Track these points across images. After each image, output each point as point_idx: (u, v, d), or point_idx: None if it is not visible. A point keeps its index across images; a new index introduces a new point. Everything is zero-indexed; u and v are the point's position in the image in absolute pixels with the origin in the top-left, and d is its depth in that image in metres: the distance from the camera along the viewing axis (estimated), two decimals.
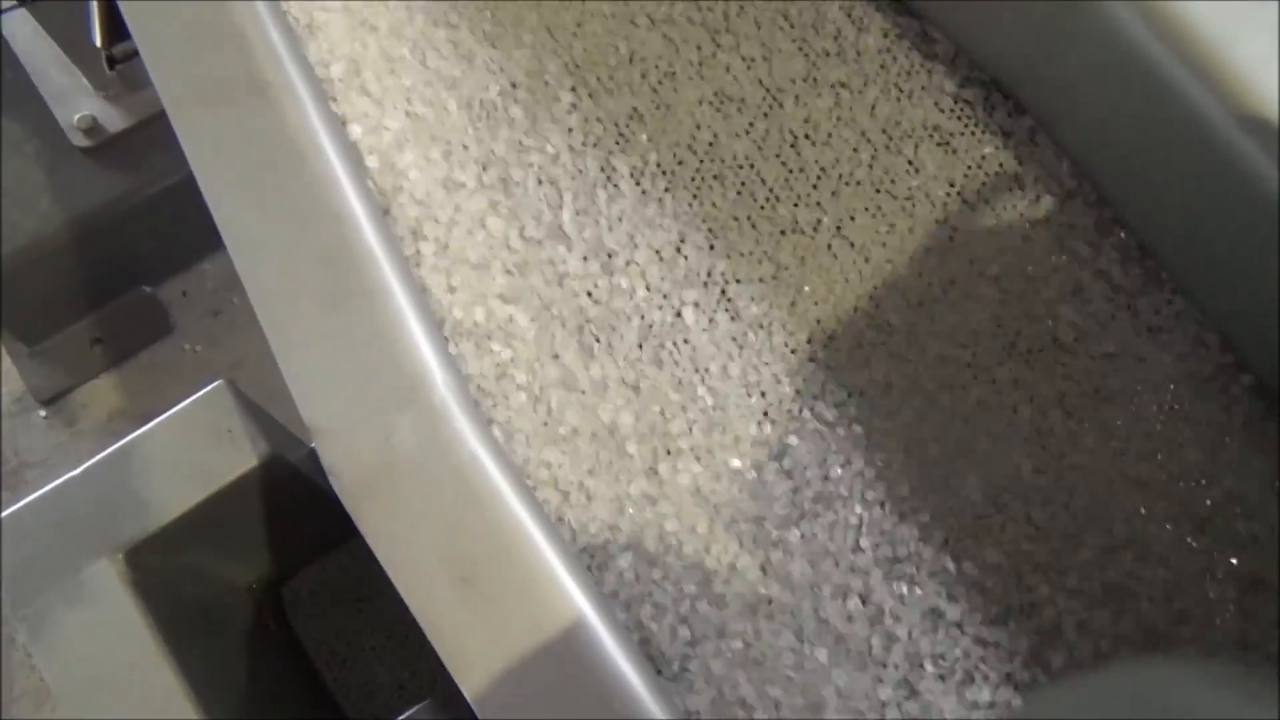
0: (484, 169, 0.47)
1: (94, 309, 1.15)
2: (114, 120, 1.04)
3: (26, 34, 1.05)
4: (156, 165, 1.06)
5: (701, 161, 0.51)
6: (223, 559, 0.53)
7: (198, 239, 1.19)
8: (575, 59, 0.52)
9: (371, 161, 0.48)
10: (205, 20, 0.39)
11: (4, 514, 0.44)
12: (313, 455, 0.56)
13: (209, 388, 0.47)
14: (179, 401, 1.15)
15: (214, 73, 0.38)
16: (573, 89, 0.51)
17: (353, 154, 0.38)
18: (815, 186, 0.52)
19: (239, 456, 0.45)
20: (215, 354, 1.18)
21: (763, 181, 0.51)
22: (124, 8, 0.39)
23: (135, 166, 1.05)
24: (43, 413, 1.13)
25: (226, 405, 0.46)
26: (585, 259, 0.47)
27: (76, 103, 1.05)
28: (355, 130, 0.47)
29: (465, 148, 0.48)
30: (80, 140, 1.03)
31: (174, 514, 0.43)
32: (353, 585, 0.64)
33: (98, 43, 0.60)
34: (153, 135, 1.06)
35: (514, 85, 0.50)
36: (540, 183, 0.48)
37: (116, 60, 0.59)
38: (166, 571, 0.46)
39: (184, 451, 0.45)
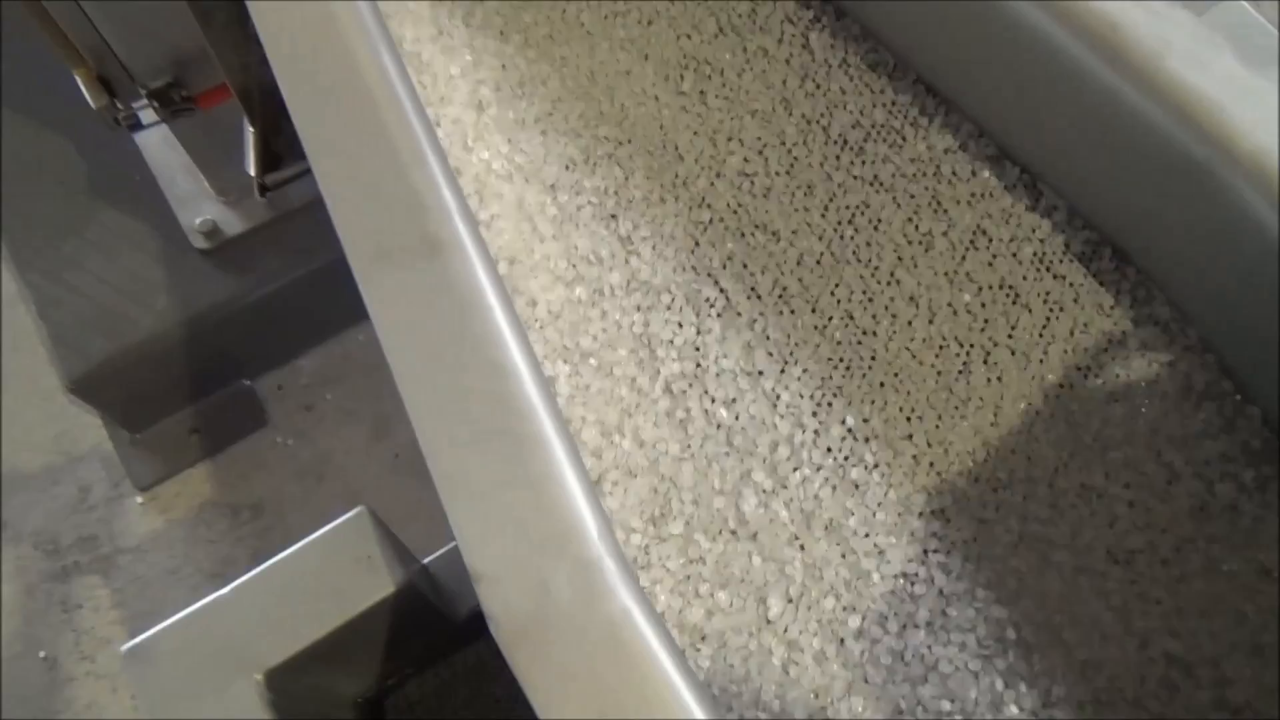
0: (639, 340, 0.50)
1: (195, 400, 1.20)
2: (231, 224, 1.10)
3: (156, 141, 1.12)
4: (266, 268, 1.11)
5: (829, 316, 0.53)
6: (340, 675, 0.55)
7: (296, 337, 1.24)
8: (732, 253, 0.55)
9: (531, 315, 0.51)
10: (386, 183, 0.42)
11: (154, 631, 0.46)
12: (425, 572, 0.58)
13: (351, 514, 0.49)
14: (268, 494, 1.18)
15: (393, 232, 0.41)
16: (724, 265, 0.53)
17: (515, 311, 0.41)
18: (922, 337, 0.54)
19: (377, 583, 0.47)
20: (305, 448, 1.22)
21: (874, 333, 0.53)
22: (317, 172, 0.42)
23: (247, 269, 1.10)
24: (139, 499, 1.17)
25: (367, 531, 0.49)
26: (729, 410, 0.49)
27: (198, 207, 1.11)
28: (517, 288, 0.51)
29: (618, 323, 0.51)
30: (200, 242, 1.09)
31: (314, 637, 0.45)
32: (453, 699, 0.65)
33: (251, 171, 0.64)
34: (265, 239, 1.11)
35: (675, 271, 0.53)
36: (691, 360, 0.51)
37: (267, 188, 0.64)
38: (295, 690, 0.47)
39: (326, 575, 0.47)
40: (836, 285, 0.55)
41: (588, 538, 0.37)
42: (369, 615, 0.47)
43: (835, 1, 0.61)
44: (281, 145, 0.67)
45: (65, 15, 0.84)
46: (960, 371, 0.53)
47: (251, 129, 0.65)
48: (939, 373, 0.53)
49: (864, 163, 0.57)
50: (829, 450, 0.51)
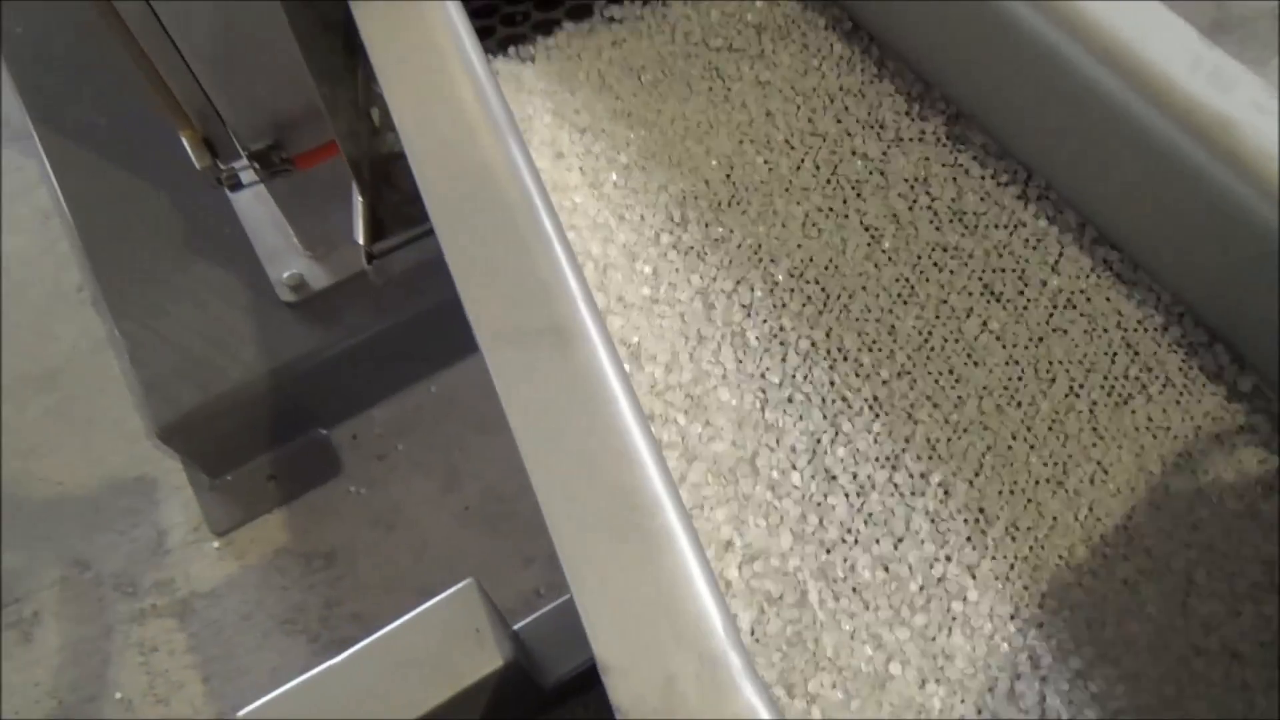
0: (762, 440, 0.51)
1: (272, 448, 1.22)
2: (318, 279, 1.13)
3: (247, 197, 1.16)
4: (349, 321, 1.13)
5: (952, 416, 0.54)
6: None
7: (371, 387, 1.26)
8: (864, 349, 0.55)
9: (656, 407, 0.52)
10: (514, 267, 0.44)
11: (268, 699, 0.47)
12: (519, 640, 0.58)
13: (460, 586, 0.50)
14: (340, 542, 1.19)
15: (521, 316, 0.42)
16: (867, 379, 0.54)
17: (639, 401, 0.42)
18: (1029, 428, 0.54)
19: (485, 656, 0.48)
20: (377, 497, 1.23)
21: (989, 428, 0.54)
22: (449, 258, 0.44)
23: (331, 322, 1.13)
24: (215, 544, 1.19)
25: (475, 604, 0.49)
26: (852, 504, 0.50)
27: (286, 261, 1.14)
28: (643, 378, 0.51)
29: (739, 423, 0.51)
30: (287, 295, 1.12)
31: (424, 710, 0.46)
32: None
33: (360, 240, 0.66)
34: (348, 294, 1.14)
35: (807, 380, 0.53)
36: (821, 455, 0.51)
37: (374, 256, 0.66)
38: None
39: (436, 648, 0.47)
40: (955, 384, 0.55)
41: (713, 632, 0.37)
42: (477, 688, 0.47)
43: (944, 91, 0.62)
44: (387, 214, 0.69)
45: (176, 78, 0.88)
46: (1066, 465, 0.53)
47: (360, 199, 0.67)
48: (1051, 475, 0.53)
49: (974, 254, 0.58)
50: (939, 527, 0.51)
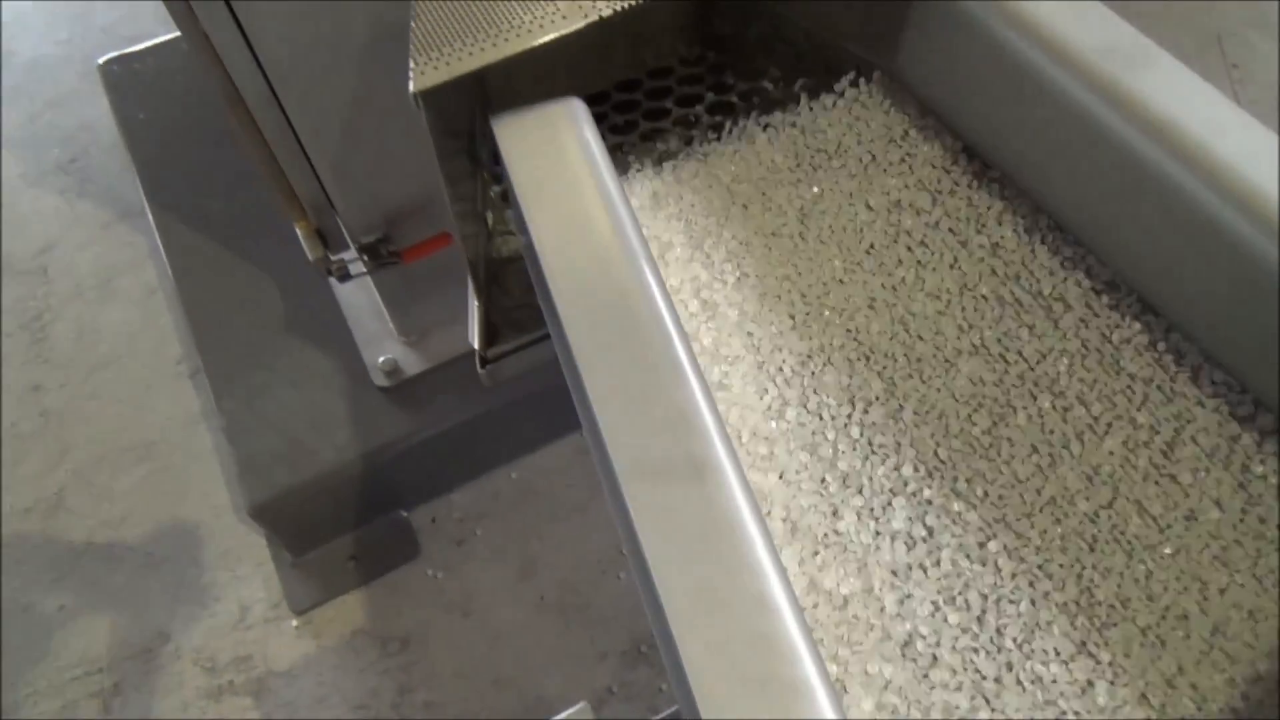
0: (886, 570, 0.50)
1: (355, 528, 1.23)
2: (411, 365, 1.15)
3: (347, 283, 1.20)
4: (439, 408, 1.15)
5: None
6: None
7: (454, 471, 1.28)
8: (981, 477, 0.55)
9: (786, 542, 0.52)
10: (652, 400, 0.44)
11: None
12: None
13: (573, 710, 0.50)
14: (415, 627, 1.19)
15: (659, 448, 0.43)
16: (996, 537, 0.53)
17: (773, 540, 0.41)
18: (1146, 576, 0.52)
19: None
20: (453, 583, 1.24)
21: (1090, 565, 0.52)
22: (588, 385, 0.44)
23: (422, 407, 1.15)
24: (294, 623, 1.20)
25: None
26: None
27: (382, 346, 1.16)
28: (776, 512, 0.51)
29: (852, 550, 0.51)
30: (380, 380, 1.14)
31: None
32: None
33: (475, 344, 0.68)
34: (440, 381, 1.16)
35: (926, 526, 0.53)
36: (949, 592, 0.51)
37: (488, 361, 0.67)
38: None
39: None
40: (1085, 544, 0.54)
41: None
42: None
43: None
44: (499, 318, 0.70)
45: (297, 174, 0.92)
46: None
47: (476, 302, 0.69)
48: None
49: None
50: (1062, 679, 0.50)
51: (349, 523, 1.23)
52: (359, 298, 1.21)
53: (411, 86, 0.50)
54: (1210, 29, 1.73)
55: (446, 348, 1.18)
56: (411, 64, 0.51)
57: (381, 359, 1.14)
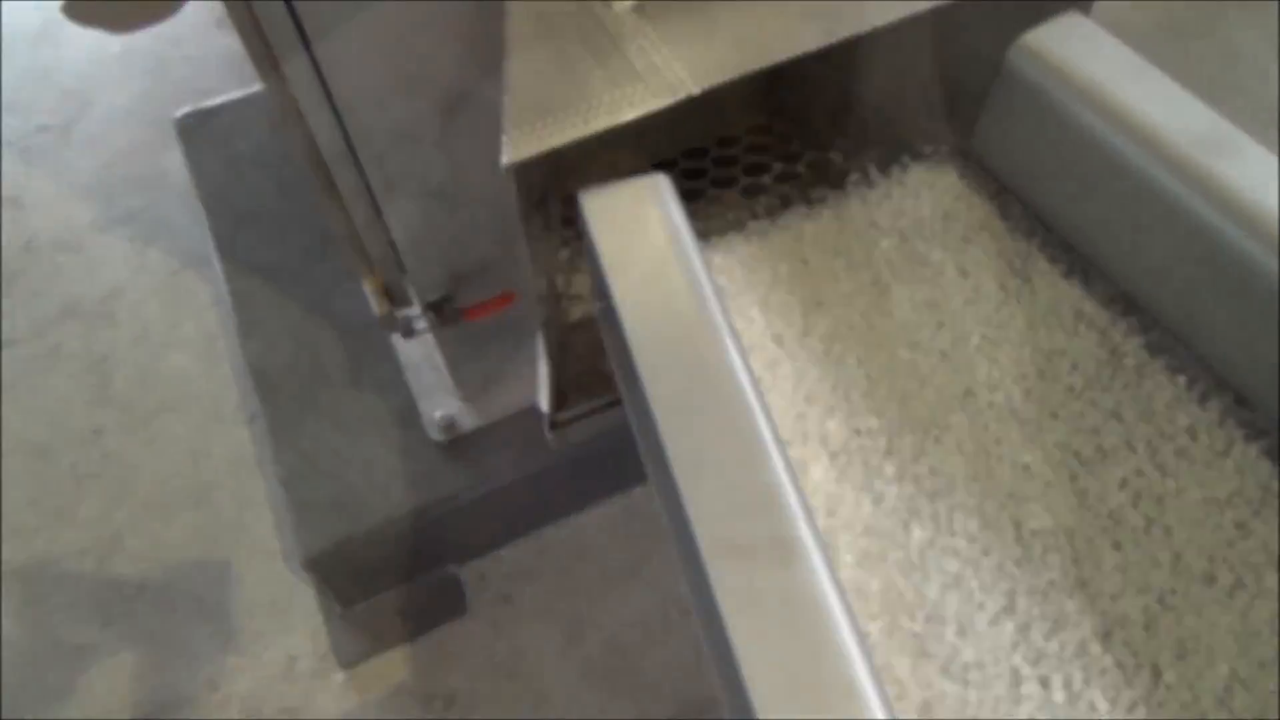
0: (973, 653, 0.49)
1: (404, 582, 1.23)
2: (467, 420, 1.16)
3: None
4: (494, 464, 1.15)
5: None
6: None
7: (505, 528, 1.27)
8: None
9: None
10: (739, 479, 0.44)
11: None
12: None
13: None
14: (460, 685, 1.18)
15: (745, 530, 0.42)
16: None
17: (859, 626, 0.41)
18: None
19: None
20: (501, 641, 1.23)
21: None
22: (672, 462, 0.44)
23: (477, 463, 1.15)
24: (340, 675, 1.19)
25: None
26: None
27: (439, 401, 1.17)
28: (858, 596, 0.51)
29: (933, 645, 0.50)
30: (437, 434, 1.15)
31: None
32: None
33: (544, 408, 0.68)
34: (496, 437, 1.17)
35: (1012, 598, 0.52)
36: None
37: (557, 424, 0.67)
38: None
39: None
40: None
41: None
42: None
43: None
44: (567, 383, 0.71)
45: (369, 231, 0.94)
46: None
47: (546, 366, 0.69)
48: None
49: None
50: None
51: (398, 576, 1.23)
52: (417, 352, 1.22)
53: (504, 159, 0.51)
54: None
55: (503, 405, 1.18)
56: (505, 137, 0.52)
57: (439, 414, 1.15)
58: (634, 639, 1.21)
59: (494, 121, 0.54)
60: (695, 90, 0.54)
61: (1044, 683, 0.50)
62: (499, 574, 1.28)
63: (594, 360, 0.71)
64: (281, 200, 1.40)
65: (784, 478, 0.44)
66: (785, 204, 0.70)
